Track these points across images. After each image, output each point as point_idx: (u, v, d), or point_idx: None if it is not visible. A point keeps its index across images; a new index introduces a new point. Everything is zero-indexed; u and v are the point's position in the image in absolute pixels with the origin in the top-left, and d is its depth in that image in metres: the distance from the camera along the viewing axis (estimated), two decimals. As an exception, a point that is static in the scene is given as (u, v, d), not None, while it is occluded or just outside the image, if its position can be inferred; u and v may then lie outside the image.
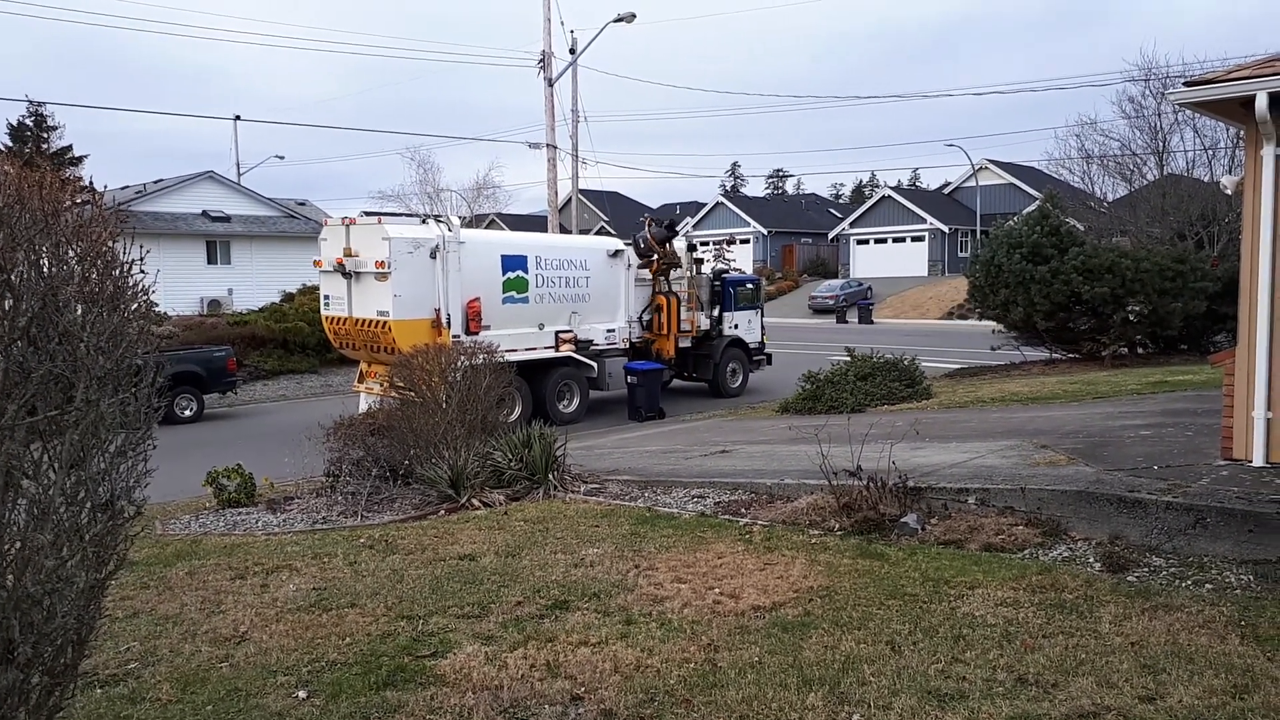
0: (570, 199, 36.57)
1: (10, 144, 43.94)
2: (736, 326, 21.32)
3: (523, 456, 10.02)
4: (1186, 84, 7.73)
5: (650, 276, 19.77)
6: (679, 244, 20.88)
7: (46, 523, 3.00)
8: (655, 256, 19.41)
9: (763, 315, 22.34)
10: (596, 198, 69.04)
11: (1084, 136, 39.97)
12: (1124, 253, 20.68)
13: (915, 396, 16.01)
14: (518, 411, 16.18)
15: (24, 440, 2.95)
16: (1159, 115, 28.75)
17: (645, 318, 19.72)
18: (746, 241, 68.86)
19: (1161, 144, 29.00)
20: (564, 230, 36.77)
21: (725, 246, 25.27)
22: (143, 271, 3.32)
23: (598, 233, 64.63)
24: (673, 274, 20.09)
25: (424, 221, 16.79)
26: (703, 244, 23.79)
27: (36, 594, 3.04)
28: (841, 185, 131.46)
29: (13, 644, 3.08)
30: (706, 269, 22.13)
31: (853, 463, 8.21)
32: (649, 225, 19.58)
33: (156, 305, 3.48)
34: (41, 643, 3.19)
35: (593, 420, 17.85)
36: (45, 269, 3.08)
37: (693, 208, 78.09)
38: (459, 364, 10.97)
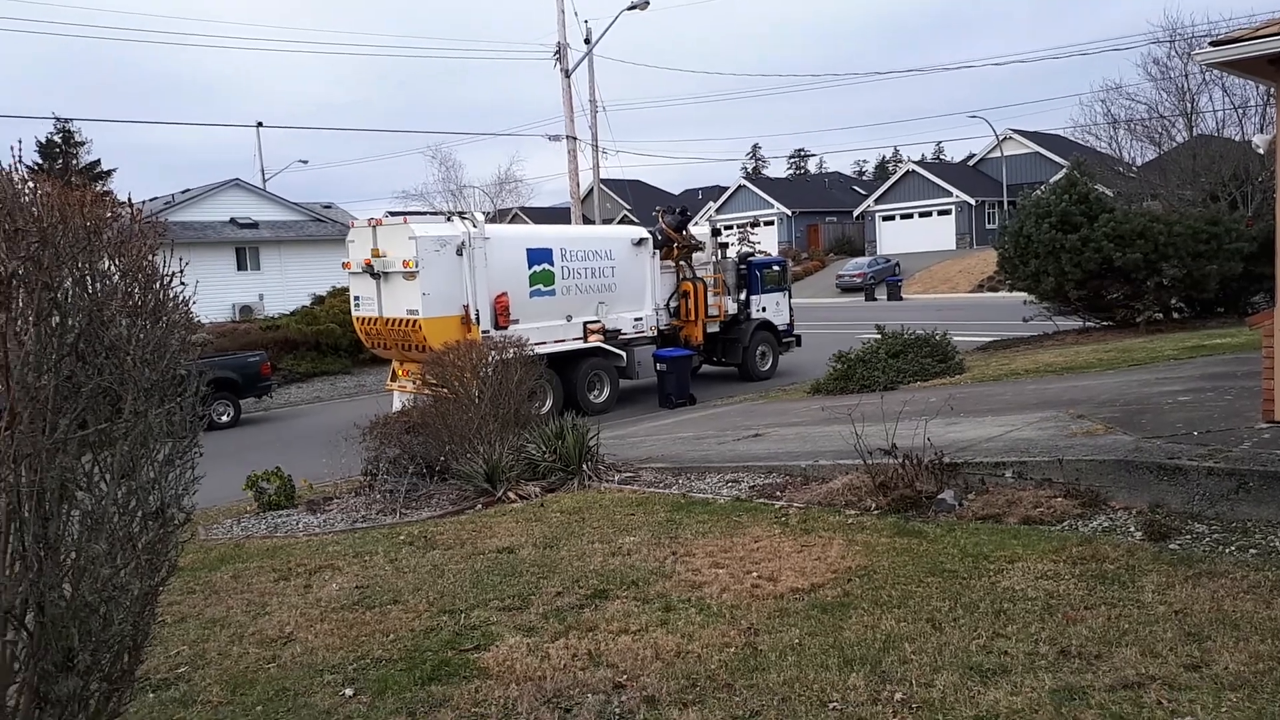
0: (592, 189, 36.52)
1: (41, 161, 44.58)
2: (764, 309, 21.38)
3: (556, 448, 10.03)
4: (1213, 43, 7.62)
5: (674, 263, 19.85)
6: (701, 229, 20.96)
7: (101, 532, 3.08)
8: (674, 244, 19.51)
9: (790, 296, 22.35)
10: (618, 187, 68.90)
11: (1110, 101, 39.41)
12: (1156, 217, 20.42)
13: (948, 372, 15.91)
14: (549, 403, 16.31)
15: (76, 453, 3.03)
16: (1186, 76, 28.27)
17: (672, 305, 19.77)
18: (771, 223, 68.71)
19: (1190, 105, 28.51)
20: (587, 221, 36.80)
21: (749, 229, 25.25)
22: (183, 283, 3.39)
23: (621, 222, 65.99)
24: (697, 258, 20.11)
25: (449, 219, 16.92)
26: (726, 228, 23.76)
27: (94, 602, 3.12)
28: (864, 162, 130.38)
29: (72, 652, 3.15)
30: (732, 253, 21.97)
31: (887, 441, 8.15)
32: (662, 216, 19.72)
33: (195, 315, 3.56)
34: (100, 650, 3.26)
35: (624, 409, 17.86)
36: (90, 285, 3.16)
37: (715, 192, 77.96)
38: (489, 359, 11.02)
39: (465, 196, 57.02)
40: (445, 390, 10.95)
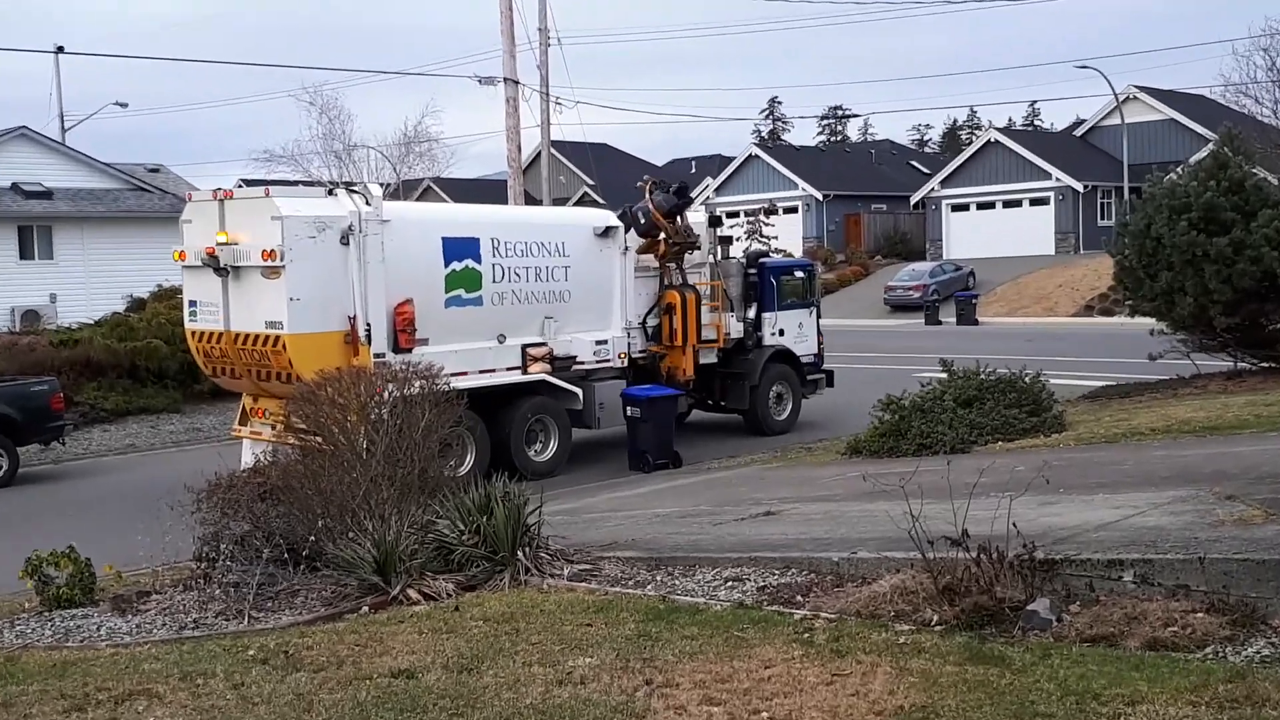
0: (539, 155, 36.79)
1: None
2: (782, 332, 21.78)
3: (479, 527, 10.14)
4: None
5: (656, 264, 20.09)
6: (696, 217, 21.02)
7: None
8: (662, 236, 19.75)
9: (819, 316, 22.75)
10: (577, 153, 68.77)
11: (1275, 51, 39.85)
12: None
13: (1042, 428, 16.23)
14: (470, 461, 16.65)
15: None
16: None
17: (651, 322, 20.11)
18: (793, 210, 69.49)
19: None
20: (532, 201, 36.89)
21: (763, 218, 25.53)
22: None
23: (580, 203, 65.45)
24: (688, 259, 20.37)
25: (331, 193, 16.95)
26: (730, 215, 24.30)
27: None
28: (927, 127, 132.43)
29: None
30: (737, 251, 22.43)
31: (955, 526, 8.21)
32: (649, 191, 19.90)
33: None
34: None
35: (578, 470, 18.18)
36: None
37: (714, 164, 78.79)
38: (386, 395, 11.24)
39: (356, 162, 57.49)
40: (319, 440, 11.11)
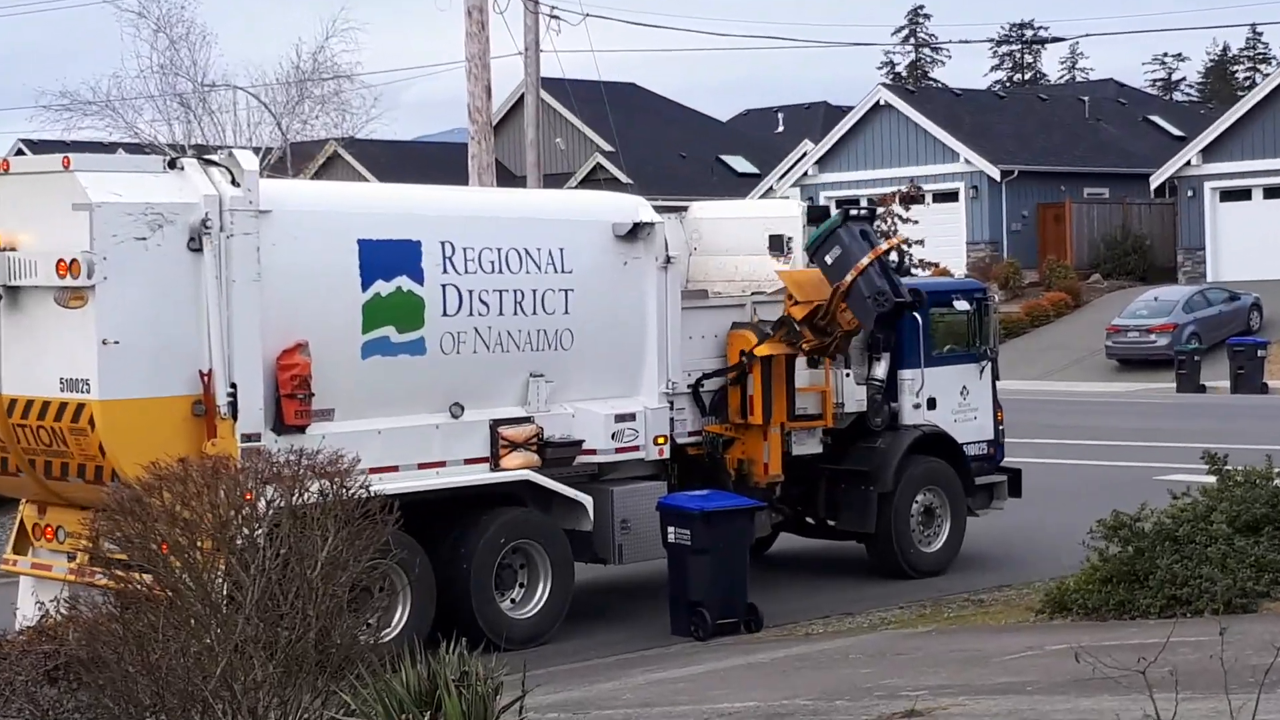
0: (523, 100, 28.74)
1: None
2: (933, 403, 17.59)
3: (418, 732, 9.83)
4: None
5: (729, 300, 16.78)
6: (789, 208, 18.28)
7: None
8: (833, 277, 15.83)
9: (995, 376, 18.68)
10: (586, 99, 46.15)
11: None
12: None
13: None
14: (403, 616, 13.88)
15: None
16: None
17: (708, 385, 16.39)
18: (950, 196, 50.96)
19: None
20: (508, 177, 31.23)
21: (897, 208, 21.98)
22: None
23: (589, 182, 56.47)
24: (756, 277, 17.27)
25: (174, 165, 14.11)
26: (842, 204, 21.21)
27: None
28: (1178, 60, 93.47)
29: None
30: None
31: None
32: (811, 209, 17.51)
33: None
34: None
35: (585, 633, 15.25)
36: None
37: (814, 118, 63.20)
38: (262, 507, 9.81)
39: (216, 113, 41.85)
40: (148, 581, 9.67)
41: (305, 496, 9.53)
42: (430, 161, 52.33)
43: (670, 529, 14.75)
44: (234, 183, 13.56)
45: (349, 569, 9.33)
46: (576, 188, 44.93)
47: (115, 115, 41.22)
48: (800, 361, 16.99)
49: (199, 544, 9.28)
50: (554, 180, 40.17)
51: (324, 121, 44.12)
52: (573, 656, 13.96)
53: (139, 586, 9.35)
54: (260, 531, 9.31)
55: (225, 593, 9.11)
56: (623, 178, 45.94)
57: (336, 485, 9.70)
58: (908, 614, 15.28)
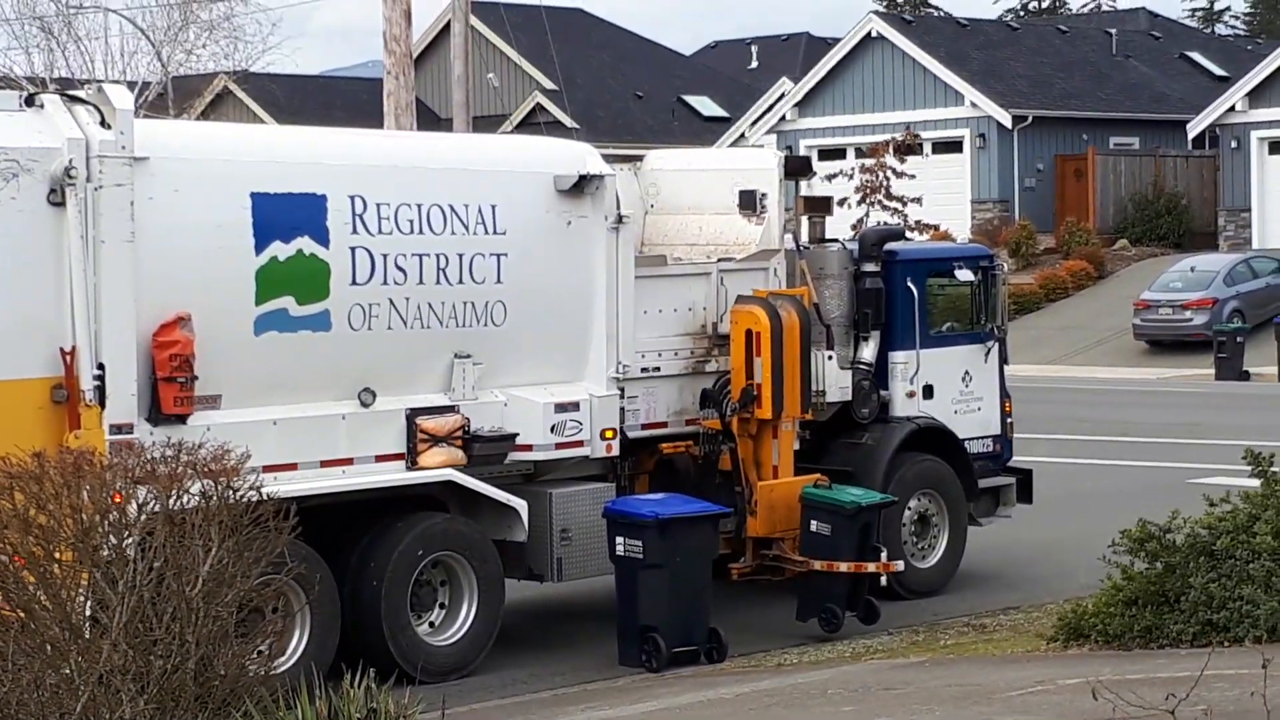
0: (449, 27, 26.89)
1: None
2: (929, 391, 16.70)
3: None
4: None
5: (692, 268, 16.08)
6: (755, 158, 18.10)
7: None
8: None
9: (1003, 360, 17.75)
10: (525, 27, 43.07)
11: None
12: None
13: None
14: (300, 642, 12.82)
15: None
16: None
17: (665, 369, 15.82)
18: (952, 146, 47.12)
19: None
20: (431, 120, 29.32)
21: (891, 160, 21.49)
22: None
23: (526, 126, 54.22)
24: (738, 232, 16.34)
25: (31, 102, 13.15)
26: (826, 155, 21.54)
27: None
28: None
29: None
30: (840, 227, 18.69)
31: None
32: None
33: None
34: None
35: (516, 663, 14.19)
36: None
37: (794, 52, 60.29)
38: (133, 510, 9.31)
39: (83, 41, 38.48)
40: None
41: (184, 500, 9.16)
42: (339, 100, 49.62)
43: (619, 539, 13.65)
44: (104, 124, 12.37)
45: (236, 586, 9.06)
46: (512, 133, 42.32)
47: (23, 47, 38.36)
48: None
49: (56, 555, 8.98)
50: (486, 124, 37.53)
51: (212, 51, 40.58)
52: (500, 691, 12.93)
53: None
54: (130, 541, 8.91)
55: (88, 614, 8.76)
56: (567, 121, 42.08)
57: (222, 486, 9.33)
58: (897, 641, 14.34)
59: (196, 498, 9.23)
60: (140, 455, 9.91)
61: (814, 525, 14.45)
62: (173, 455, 9.65)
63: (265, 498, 9.85)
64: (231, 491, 9.48)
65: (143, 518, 9.14)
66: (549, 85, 49.07)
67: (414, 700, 8.93)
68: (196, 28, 39.61)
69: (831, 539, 14.29)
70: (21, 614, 8.85)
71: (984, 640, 14.20)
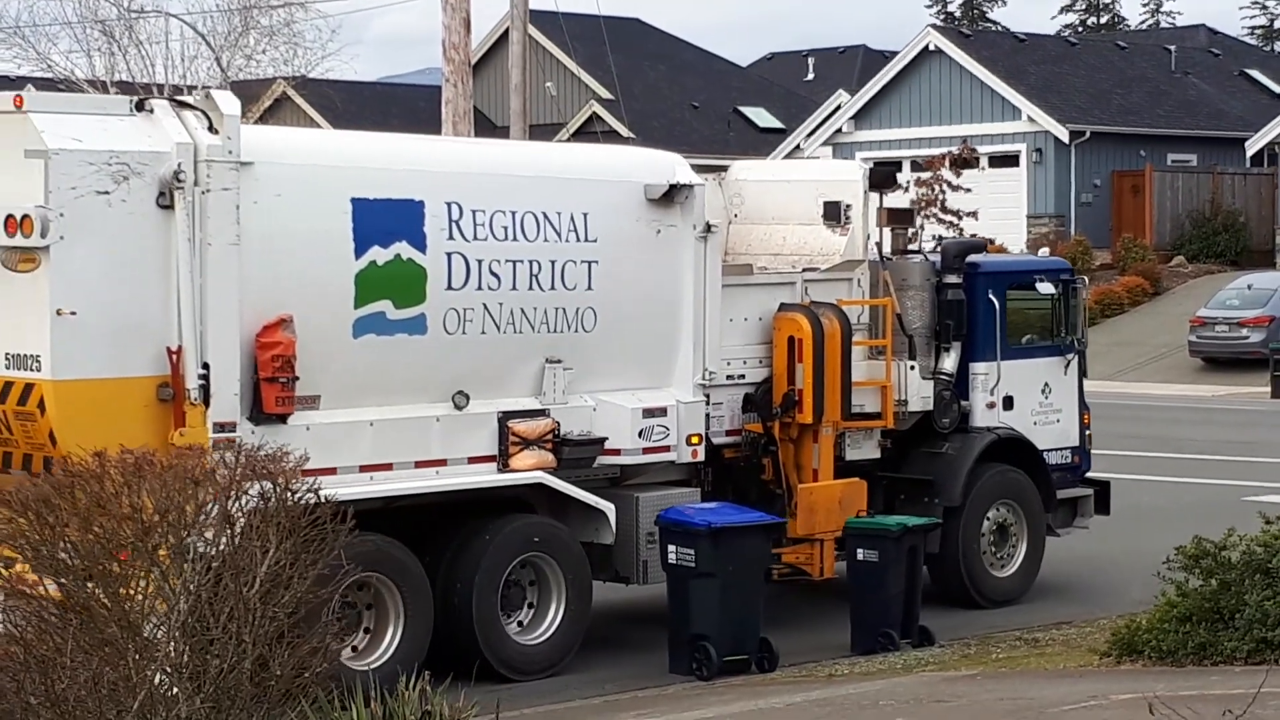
0: (506, 32, 27.90)
1: None
2: (1009, 402, 16.43)
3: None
4: None
5: (778, 278, 15.64)
6: (849, 169, 17.66)
7: None
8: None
9: (1083, 373, 17.38)
10: (582, 36, 41.46)
11: None
12: None
13: None
14: (394, 640, 12.77)
15: None
16: None
17: (750, 375, 15.44)
18: (1009, 160, 47.06)
19: None
20: (486, 125, 28.71)
21: (948, 174, 21.13)
22: None
23: (587, 132, 52.95)
24: (813, 241, 16.28)
25: (141, 108, 12.96)
26: (883, 165, 21.34)
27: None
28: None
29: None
30: (923, 238, 18.44)
31: None
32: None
33: None
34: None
35: (585, 664, 13.98)
36: None
37: (851, 65, 59.62)
38: (229, 504, 9.14)
39: (146, 44, 37.19)
40: (49, 590, 8.93)
41: (242, 499, 8.99)
42: (396, 107, 48.55)
43: (671, 548, 13.61)
44: (211, 129, 12.39)
45: (293, 587, 8.85)
46: (568, 141, 41.11)
47: (26, 44, 37.83)
48: (857, 351, 15.80)
49: (116, 554, 8.79)
50: (542, 132, 36.52)
51: (271, 57, 40.15)
52: (552, 696, 12.78)
53: (44, 607, 8.65)
54: (190, 541, 8.77)
55: (146, 609, 8.61)
56: (623, 131, 41.38)
57: (280, 488, 9.13)
58: (949, 654, 14.16)
59: (257, 495, 9.37)
60: (240, 452, 9.91)
61: (861, 554, 14.39)
62: (236, 459, 9.80)
63: (335, 500, 9.97)
64: (289, 494, 9.55)
65: (202, 518, 9.24)
66: (605, 95, 48.70)
67: (468, 704, 8.95)
68: (256, 33, 39.24)
69: (880, 564, 14.26)
70: (81, 612, 8.92)
71: (1036, 654, 14.11)
